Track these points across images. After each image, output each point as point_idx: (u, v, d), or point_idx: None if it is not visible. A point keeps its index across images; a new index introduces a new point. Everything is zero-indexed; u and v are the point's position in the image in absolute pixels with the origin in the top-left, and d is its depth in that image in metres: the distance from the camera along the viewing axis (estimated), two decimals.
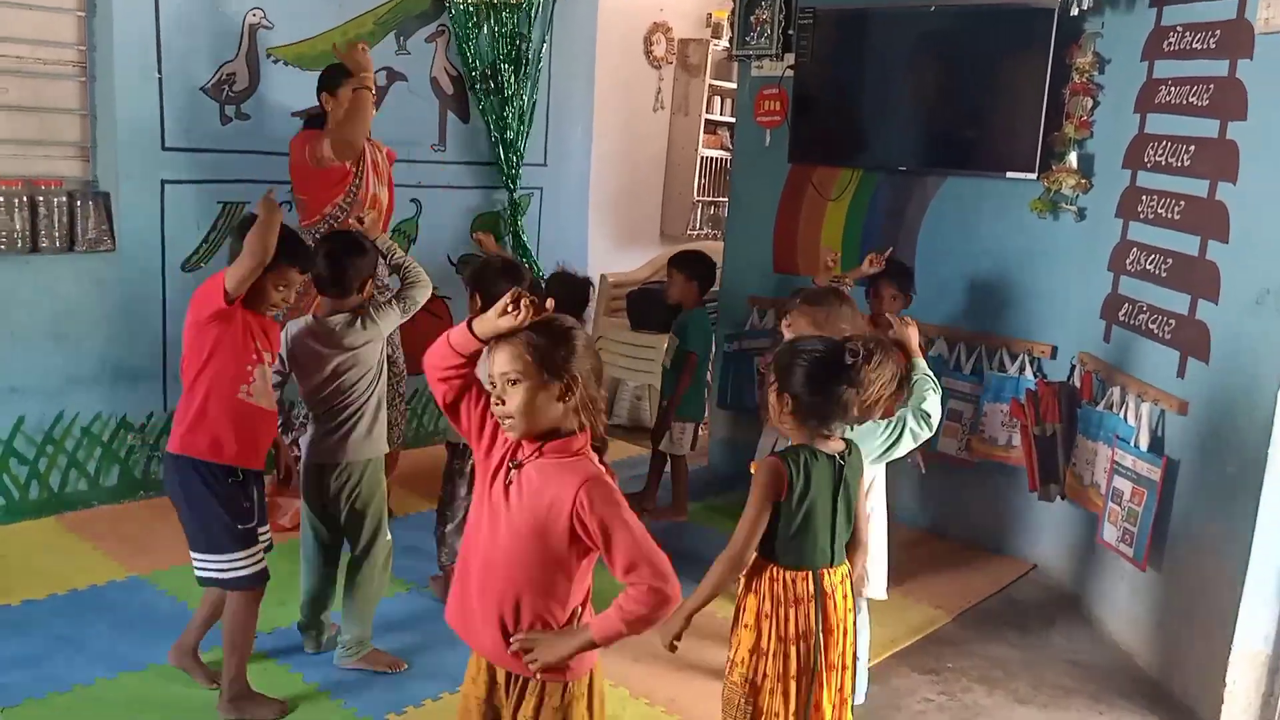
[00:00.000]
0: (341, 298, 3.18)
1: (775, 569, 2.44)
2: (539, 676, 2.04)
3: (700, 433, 5.05)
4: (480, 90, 5.36)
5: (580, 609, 2.07)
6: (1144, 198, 3.83)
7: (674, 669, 3.36)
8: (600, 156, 6.46)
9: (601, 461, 2.05)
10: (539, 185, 5.82)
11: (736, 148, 5.53)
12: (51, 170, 4.21)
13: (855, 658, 2.64)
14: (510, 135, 5.47)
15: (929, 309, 4.40)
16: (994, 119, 4.51)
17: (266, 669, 3.21)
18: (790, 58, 4.99)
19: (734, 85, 6.50)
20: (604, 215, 7.08)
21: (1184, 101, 3.62)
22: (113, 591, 3.71)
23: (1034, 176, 4.30)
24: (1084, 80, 4.14)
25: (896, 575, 3.22)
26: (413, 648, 3.42)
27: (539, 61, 5.56)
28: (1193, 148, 3.56)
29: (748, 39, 5.09)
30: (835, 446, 2.47)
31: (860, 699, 3.22)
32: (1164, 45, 3.77)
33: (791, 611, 2.43)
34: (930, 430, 2.85)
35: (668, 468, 4.78)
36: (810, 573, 2.44)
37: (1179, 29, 3.68)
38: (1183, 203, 3.59)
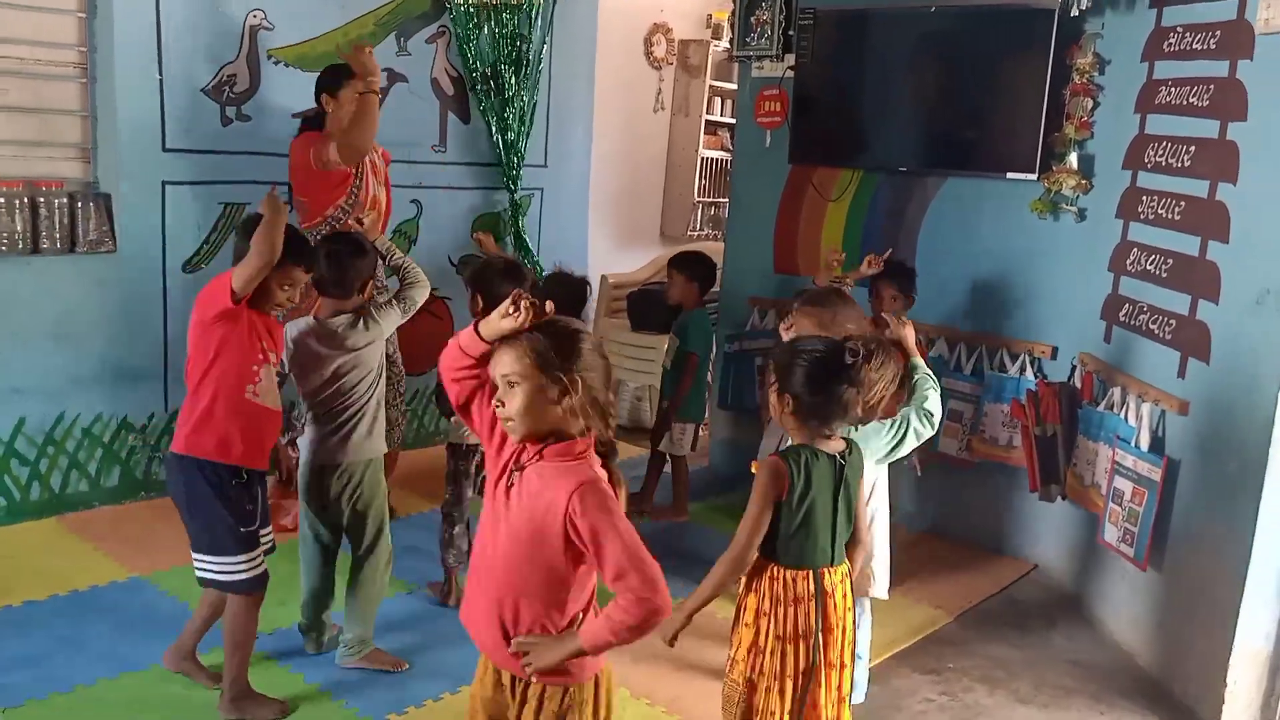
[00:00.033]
0: (343, 299, 3.19)
1: (776, 568, 2.45)
2: (535, 679, 2.03)
3: (701, 433, 5.05)
4: (481, 91, 5.36)
5: (582, 615, 2.05)
6: (1144, 198, 3.83)
7: (675, 669, 3.36)
8: (601, 157, 6.46)
9: (608, 466, 2.04)
10: (539, 186, 5.82)
11: (737, 148, 5.54)
12: (52, 171, 4.22)
13: (855, 656, 2.65)
14: (511, 136, 5.47)
15: (929, 309, 4.41)
16: (994, 120, 4.52)
17: (267, 669, 3.21)
18: (790, 58, 4.99)
19: (734, 86, 6.50)
20: (604, 216, 7.08)
21: (1184, 102, 3.62)
22: (114, 592, 3.71)
23: (1034, 177, 4.30)
24: (1084, 81, 4.14)
25: (897, 575, 3.23)
26: (413, 648, 3.42)
27: (539, 62, 5.56)
28: (1193, 148, 3.56)
29: (748, 40, 5.10)
30: (836, 446, 2.48)
31: (860, 698, 3.23)
32: (1164, 46, 3.77)
33: (791, 610, 2.43)
34: (933, 429, 2.86)
35: (667, 468, 4.79)
36: (810, 572, 2.45)
37: (1179, 30, 3.68)
38: (1183, 203, 3.59)
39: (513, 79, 5.40)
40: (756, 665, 2.45)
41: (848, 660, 2.52)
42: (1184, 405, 3.46)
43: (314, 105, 4.28)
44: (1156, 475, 3.49)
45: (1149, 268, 3.76)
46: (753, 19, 5.05)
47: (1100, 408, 3.92)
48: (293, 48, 4.69)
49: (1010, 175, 4.40)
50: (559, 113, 5.84)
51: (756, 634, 2.46)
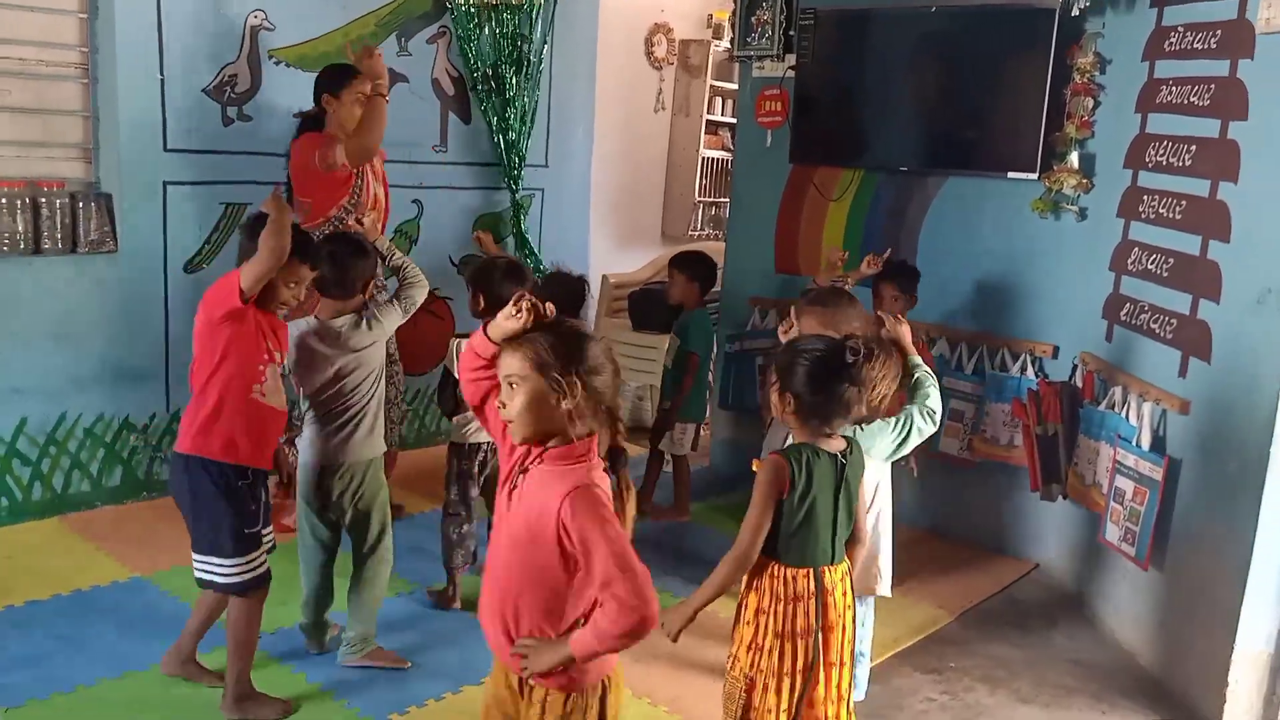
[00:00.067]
0: (344, 299, 3.20)
1: (776, 566, 2.46)
2: (533, 682, 2.03)
3: (702, 433, 5.05)
4: (482, 91, 5.37)
5: (583, 621, 2.02)
6: (1145, 197, 3.83)
7: (676, 668, 3.36)
8: (601, 157, 6.46)
9: (617, 472, 2.03)
10: (540, 186, 5.82)
11: (738, 148, 5.54)
12: (54, 172, 4.22)
13: (855, 655, 2.65)
14: (512, 136, 5.47)
15: (931, 309, 4.41)
16: (995, 119, 4.52)
17: (269, 669, 3.21)
18: (791, 58, 4.99)
19: (735, 86, 6.50)
20: (605, 216, 7.08)
21: (1185, 101, 3.62)
22: (116, 592, 3.72)
23: (1035, 176, 4.30)
24: (1085, 80, 4.14)
25: (899, 575, 3.23)
26: (415, 647, 3.42)
27: (540, 62, 5.56)
28: (1194, 147, 3.56)
29: (749, 40, 5.10)
30: (837, 445, 2.49)
31: (861, 695, 3.24)
32: (1165, 45, 3.77)
33: (791, 608, 2.44)
34: (935, 425, 2.89)
35: (667, 467, 4.79)
36: (811, 570, 2.46)
37: (1180, 29, 3.68)
38: (1184, 202, 3.59)
39: (514, 79, 5.40)
40: (756, 663, 2.47)
41: (847, 658, 2.53)
42: (1185, 404, 3.47)
43: (314, 105, 4.28)
44: (1158, 474, 3.49)
45: (1150, 267, 3.76)
46: (753, 19, 5.05)
47: (1101, 407, 3.92)
48: (294, 48, 4.69)
49: (1011, 175, 4.40)
50: (560, 113, 5.84)
51: (756, 631, 2.47)
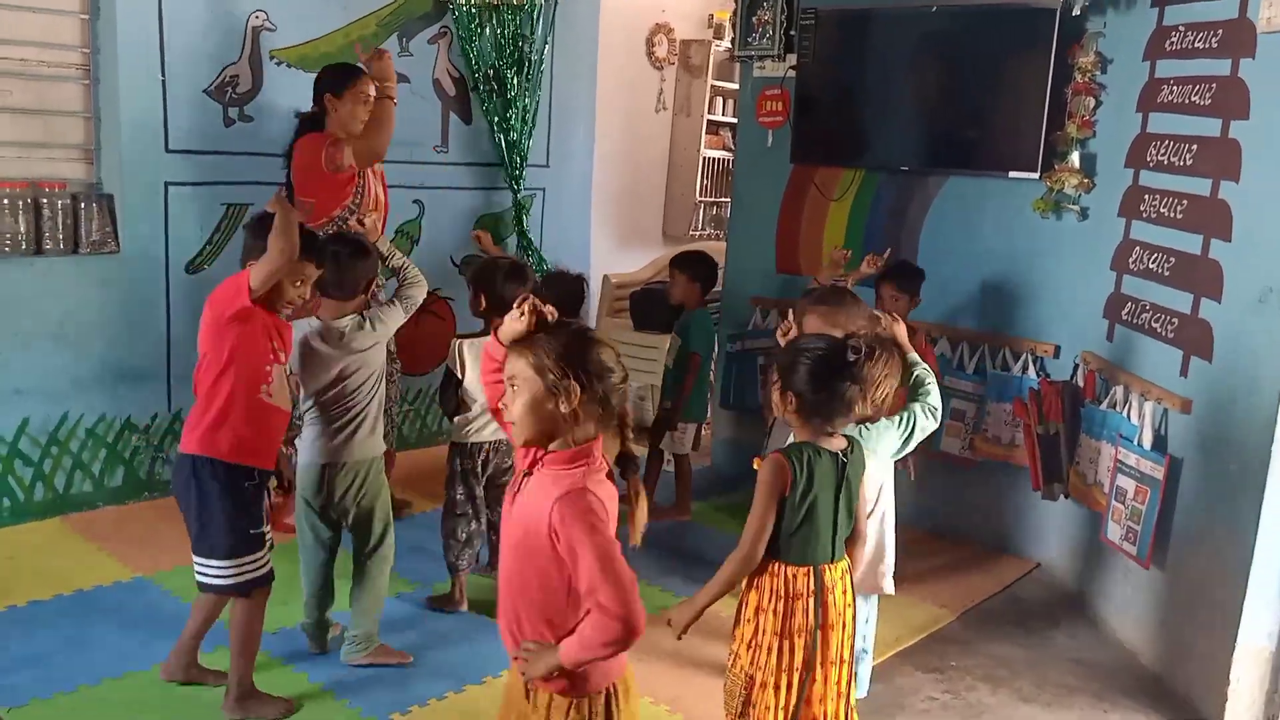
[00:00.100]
0: (345, 300, 3.21)
1: (777, 565, 2.47)
2: (532, 685, 2.02)
3: (703, 433, 5.05)
4: (483, 91, 5.37)
5: None
6: (1146, 197, 3.83)
7: (676, 667, 3.36)
8: (602, 157, 6.46)
9: (627, 478, 2.02)
10: (541, 186, 5.83)
11: (739, 148, 5.54)
12: (55, 173, 4.23)
13: (856, 652, 2.66)
14: (513, 136, 5.48)
15: (932, 308, 4.40)
16: (996, 119, 4.52)
17: (271, 669, 3.21)
18: (792, 58, 4.99)
19: (736, 86, 6.50)
20: (606, 216, 7.08)
21: (1186, 101, 3.62)
22: (118, 592, 3.72)
23: (1036, 176, 4.30)
24: (1086, 80, 4.14)
25: (900, 574, 3.23)
26: (417, 647, 3.42)
27: (541, 63, 5.56)
28: (1195, 147, 3.56)
29: (750, 40, 5.10)
30: (838, 444, 2.49)
31: (863, 693, 3.24)
32: (1166, 45, 3.77)
33: (791, 606, 2.45)
34: (937, 422, 2.92)
35: (668, 467, 4.79)
36: (811, 568, 2.47)
37: (1181, 28, 3.68)
38: (1185, 202, 3.59)
39: (515, 79, 5.40)
40: (756, 660, 2.48)
41: (847, 656, 2.53)
42: (1186, 403, 3.47)
43: (314, 105, 4.28)
44: (1159, 473, 3.49)
45: (1151, 266, 3.76)
46: (754, 19, 5.05)
47: (1103, 406, 3.92)
48: (295, 48, 4.70)
49: (1012, 174, 4.40)
50: (561, 113, 5.84)
51: (756, 630, 2.48)
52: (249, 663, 2.98)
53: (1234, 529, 3.22)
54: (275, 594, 3.04)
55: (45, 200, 4.10)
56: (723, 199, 7.95)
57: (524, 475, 2.02)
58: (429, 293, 3.59)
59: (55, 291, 4.18)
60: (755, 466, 2.49)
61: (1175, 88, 3.70)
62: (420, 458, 5.12)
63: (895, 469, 3.12)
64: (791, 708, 2.46)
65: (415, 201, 5.24)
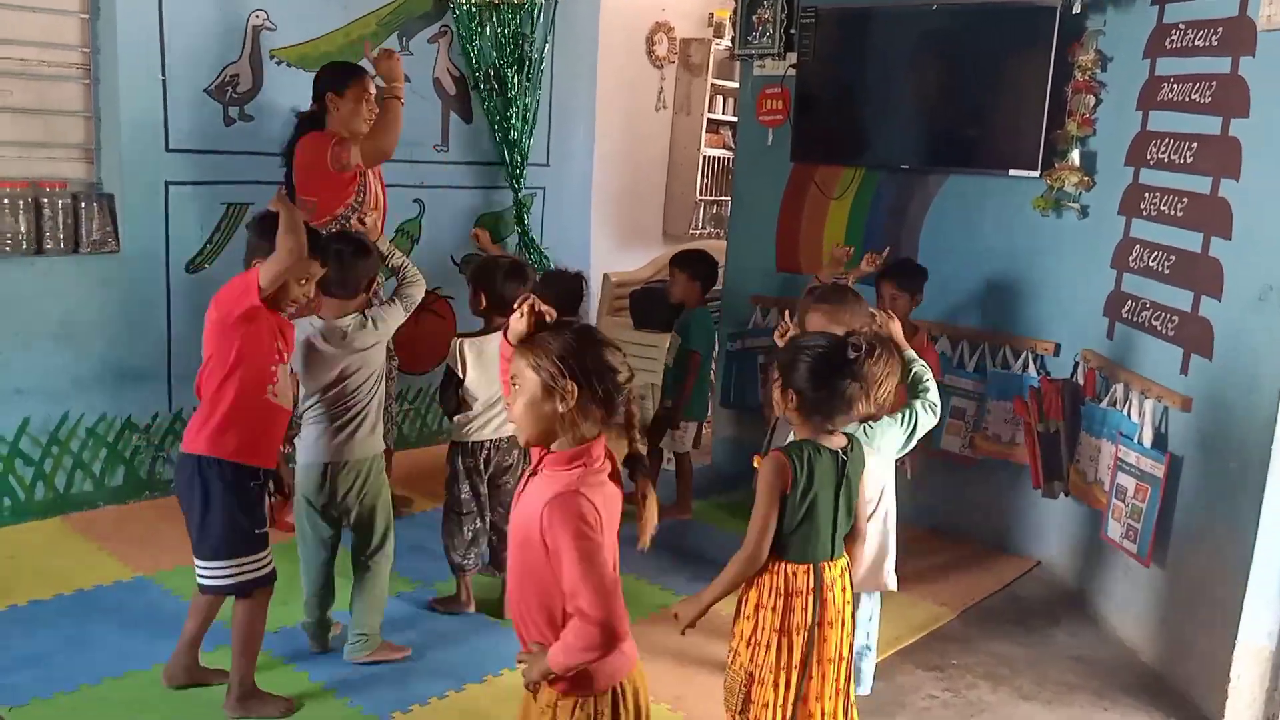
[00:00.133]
0: (347, 299, 3.22)
1: (777, 563, 2.47)
2: (532, 687, 2.02)
3: (703, 431, 5.06)
4: (483, 90, 5.37)
5: None
6: (1147, 195, 3.83)
7: (678, 666, 3.37)
8: (603, 156, 6.46)
9: (635, 479, 2.01)
10: (541, 185, 5.83)
11: (739, 147, 5.54)
12: (56, 172, 4.23)
13: (861, 648, 2.67)
14: (513, 135, 5.48)
15: (932, 307, 4.40)
16: (996, 117, 4.51)
17: (272, 668, 3.22)
18: (792, 57, 4.99)
19: (736, 84, 6.51)
20: (606, 215, 7.08)
21: (1186, 99, 3.62)
22: (118, 592, 3.72)
23: (1036, 174, 4.30)
24: (1086, 78, 4.14)
25: (900, 573, 3.23)
26: (417, 646, 3.42)
27: (541, 62, 5.56)
28: (1195, 145, 3.56)
29: (750, 38, 5.10)
30: (838, 442, 2.50)
31: (865, 690, 3.24)
32: (1166, 43, 3.77)
33: (791, 604, 2.45)
34: (936, 418, 2.94)
35: (668, 465, 4.79)
36: (811, 566, 2.47)
37: (1181, 26, 3.68)
38: (1185, 200, 3.59)
39: (515, 78, 5.40)
40: (755, 658, 2.48)
41: (846, 653, 2.54)
42: (1187, 401, 3.47)
43: (314, 103, 4.27)
44: (1159, 471, 3.49)
45: (1151, 264, 3.76)
46: (754, 17, 5.05)
47: (1103, 404, 3.92)
48: (295, 48, 4.69)
49: (1012, 172, 4.40)
50: (561, 112, 5.84)
51: (756, 627, 2.49)
52: (250, 662, 2.99)
53: (1234, 527, 3.23)
54: (276, 594, 3.04)
55: (46, 200, 4.10)
56: (723, 198, 7.95)
57: (529, 475, 2.02)
58: (429, 291, 3.59)
59: (56, 291, 4.18)
60: (756, 465, 2.49)
61: (1175, 86, 3.70)
62: (420, 457, 5.13)
63: (895, 468, 3.12)
64: (790, 705, 2.47)
65: (415, 200, 5.24)
